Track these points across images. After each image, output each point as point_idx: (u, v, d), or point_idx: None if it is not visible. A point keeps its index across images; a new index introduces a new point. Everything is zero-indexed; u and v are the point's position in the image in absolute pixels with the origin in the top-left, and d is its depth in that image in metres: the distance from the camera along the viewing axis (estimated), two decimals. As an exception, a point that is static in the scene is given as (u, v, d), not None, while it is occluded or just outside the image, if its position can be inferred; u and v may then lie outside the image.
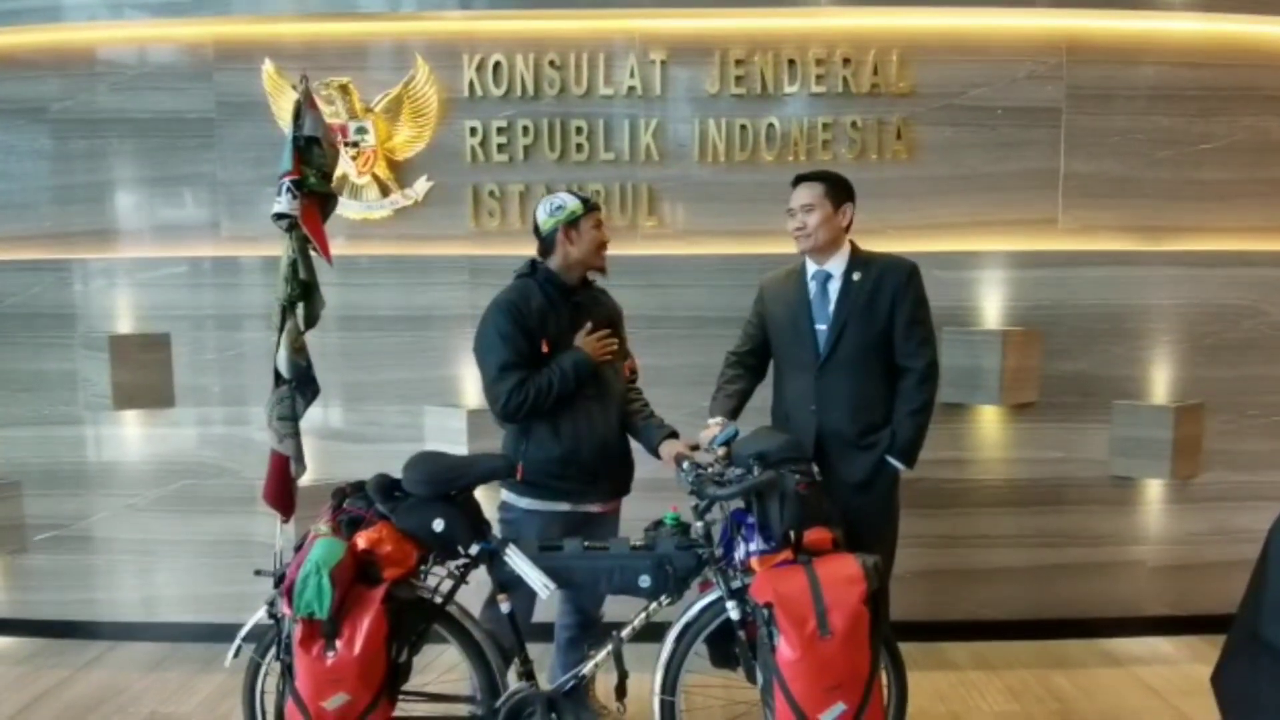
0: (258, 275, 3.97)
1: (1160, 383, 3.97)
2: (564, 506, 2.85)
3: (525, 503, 2.86)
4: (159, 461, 4.09)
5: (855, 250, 3.03)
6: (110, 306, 4.04)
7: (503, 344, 2.77)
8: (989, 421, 3.97)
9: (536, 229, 2.90)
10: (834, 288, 2.98)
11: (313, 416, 3.87)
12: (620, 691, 2.54)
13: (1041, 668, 3.76)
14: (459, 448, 3.72)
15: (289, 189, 2.63)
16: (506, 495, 2.92)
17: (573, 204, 2.85)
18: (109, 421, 4.07)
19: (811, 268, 3.04)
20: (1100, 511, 4.01)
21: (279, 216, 2.67)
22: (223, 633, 2.77)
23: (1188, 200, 3.98)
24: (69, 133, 4.04)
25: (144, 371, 3.96)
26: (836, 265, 2.99)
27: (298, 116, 2.69)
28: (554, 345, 2.81)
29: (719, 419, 2.94)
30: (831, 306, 2.96)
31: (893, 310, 2.93)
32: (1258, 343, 3.98)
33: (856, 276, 2.96)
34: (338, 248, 3.87)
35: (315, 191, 2.71)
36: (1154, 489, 4.02)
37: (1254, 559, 2.12)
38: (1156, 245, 3.98)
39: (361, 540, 2.46)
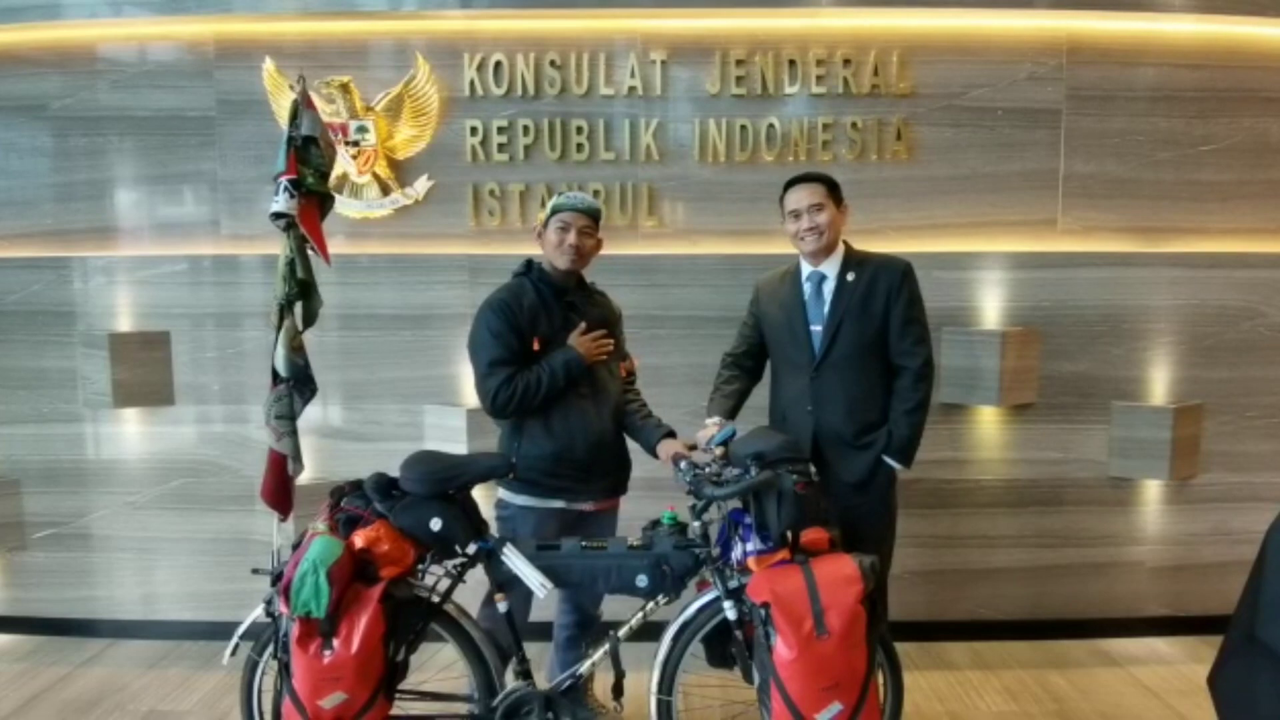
0: (258, 274, 3.97)
1: (1159, 384, 3.97)
2: (558, 504, 2.86)
3: (520, 499, 2.87)
4: (158, 459, 4.09)
5: (849, 250, 3.04)
6: (110, 304, 4.04)
7: (493, 341, 2.80)
8: (988, 422, 3.97)
9: None
10: (828, 288, 2.99)
11: (313, 415, 3.89)
12: (617, 691, 2.55)
13: (1039, 668, 3.77)
14: (458, 446, 3.72)
15: (286, 188, 2.63)
16: (502, 492, 2.93)
17: (550, 205, 2.91)
18: (108, 419, 4.07)
19: (806, 269, 3.04)
20: (1099, 512, 4.01)
21: (277, 216, 2.68)
22: (222, 630, 2.78)
23: (1187, 201, 3.98)
24: (69, 130, 4.04)
25: (144, 369, 3.97)
26: (831, 266, 3.00)
27: (295, 116, 2.69)
28: (546, 344, 2.83)
29: (717, 418, 2.95)
30: (826, 307, 2.97)
31: (887, 310, 2.94)
32: (1257, 344, 3.98)
33: (850, 277, 2.97)
34: (338, 246, 3.90)
35: (313, 191, 2.72)
36: (1152, 490, 4.02)
37: (1252, 560, 2.12)
38: (1156, 246, 3.98)
39: (359, 539, 2.46)
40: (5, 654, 3.98)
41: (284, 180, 2.64)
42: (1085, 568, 4.04)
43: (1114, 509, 4.02)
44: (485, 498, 2.85)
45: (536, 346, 2.81)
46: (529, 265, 2.94)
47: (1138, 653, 3.92)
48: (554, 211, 2.88)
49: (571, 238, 2.85)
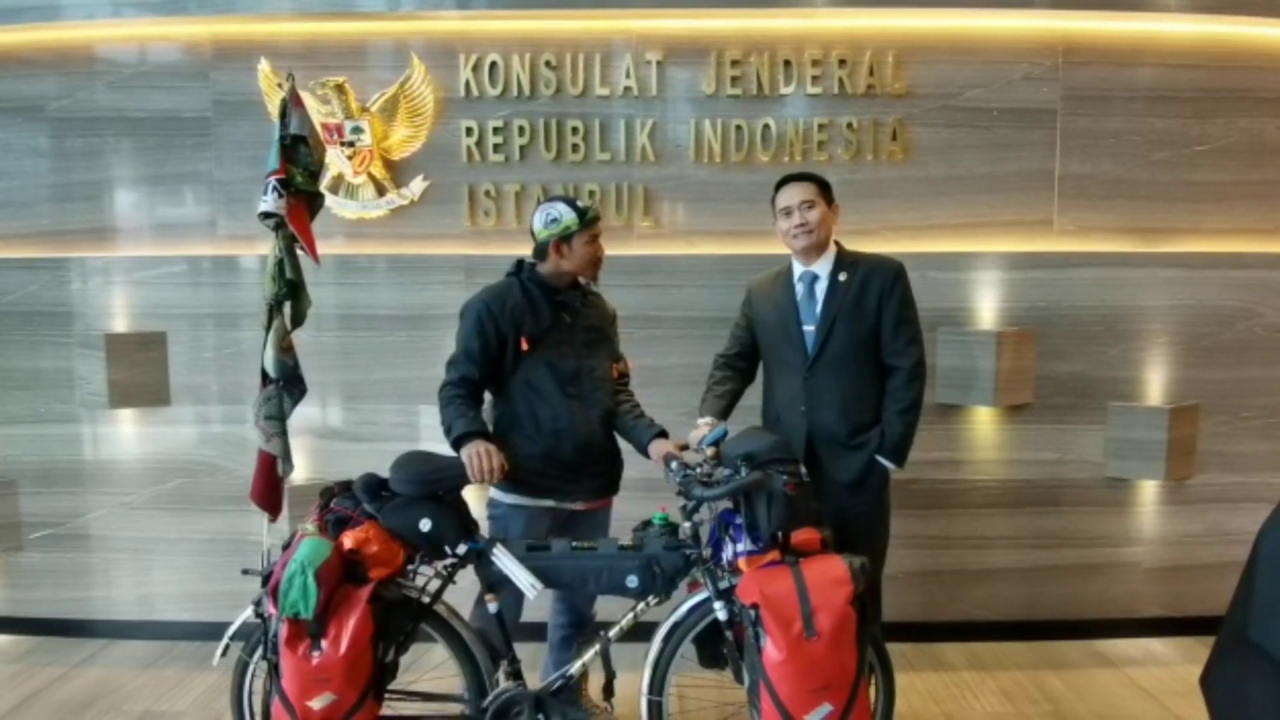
0: (254, 274, 3.97)
1: (1155, 384, 3.96)
2: (548, 503, 2.86)
3: (510, 499, 2.87)
4: (155, 460, 4.10)
5: (841, 251, 3.04)
6: (107, 305, 4.05)
7: (459, 343, 2.85)
8: (984, 422, 3.97)
9: (533, 232, 2.90)
10: (821, 288, 2.99)
11: (309, 415, 3.90)
12: (608, 691, 2.55)
13: (1035, 668, 3.76)
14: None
15: (275, 188, 2.63)
16: (493, 492, 2.92)
17: (568, 219, 2.82)
18: (105, 420, 4.08)
19: (798, 269, 3.04)
20: (1095, 513, 4.01)
21: (266, 215, 2.68)
22: (217, 631, 2.78)
23: (1183, 202, 3.97)
24: (66, 131, 4.04)
25: (140, 370, 3.97)
26: (823, 266, 3.00)
27: (284, 115, 2.70)
28: (534, 342, 2.82)
29: (708, 419, 2.95)
30: (819, 307, 2.97)
31: (880, 310, 2.94)
32: (1253, 344, 3.97)
33: (843, 277, 2.97)
34: (334, 247, 3.91)
35: (302, 190, 2.72)
36: (1149, 490, 4.01)
37: (1248, 561, 2.12)
38: (1152, 247, 3.97)
39: (348, 540, 2.46)
40: (1, 654, 3.98)
41: (272, 180, 2.64)
42: (1081, 568, 4.03)
43: (1110, 510, 4.01)
44: (477, 498, 2.85)
45: (525, 346, 2.81)
46: (520, 265, 2.93)
47: (1134, 654, 3.91)
48: (587, 224, 2.84)
49: (600, 248, 2.90)
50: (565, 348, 2.86)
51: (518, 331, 2.81)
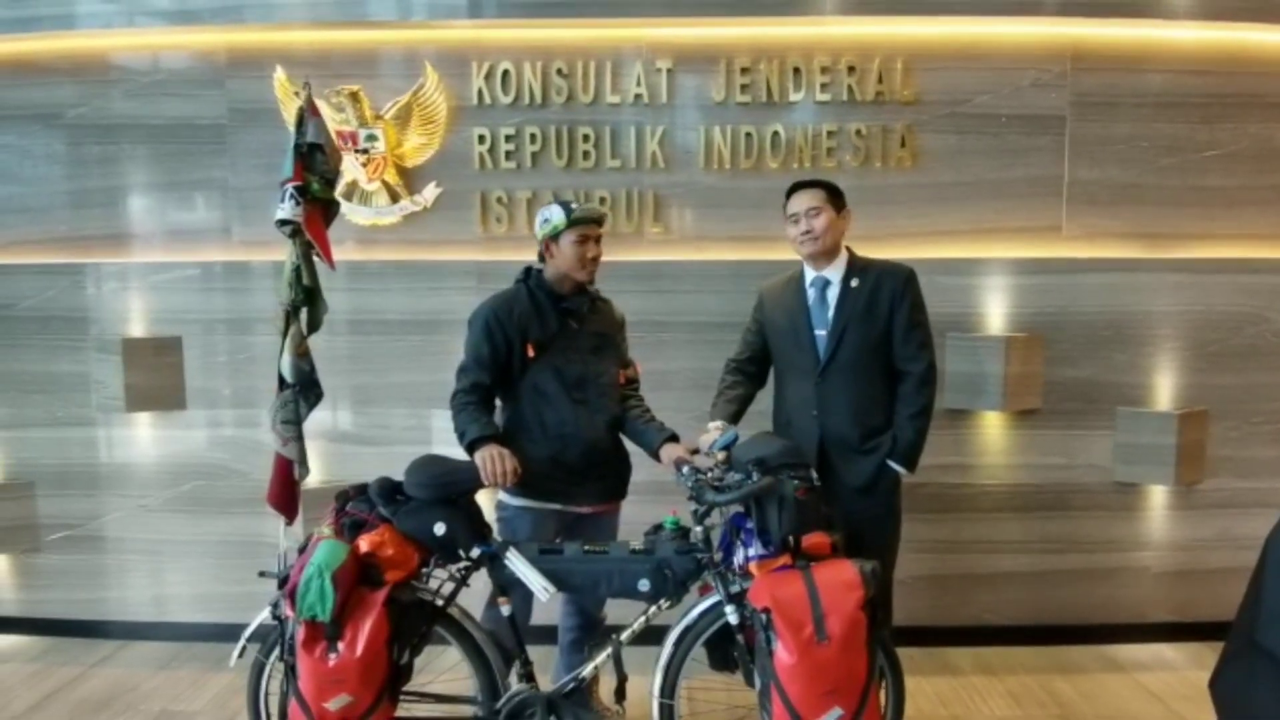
0: (269, 279, 4.01)
1: (1164, 389, 3.97)
2: (555, 506, 2.90)
3: (518, 501, 2.90)
4: (170, 463, 4.14)
5: (852, 256, 3.07)
6: (123, 310, 4.09)
7: (468, 350, 2.89)
8: (992, 427, 3.98)
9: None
10: (832, 294, 3.01)
11: (322, 419, 3.93)
12: (620, 694, 2.57)
13: (1044, 673, 3.77)
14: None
15: (292, 195, 2.67)
16: (502, 494, 2.96)
17: (556, 218, 2.85)
18: (121, 423, 4.12)
19: (810, 274, 3.07)
20: (1104, 517, 4.01)
21: (282, 223, 2.72)
22: (232, 632, 2.81)
23: (1192, 207, 3.98)
24: (83, 138, 4.09)
25: (156, 374, 4.01)
26: (834, 271, 3.02)
27: (300, 123, 2.74)
28: (539, 348, 2.86)
29: (719, 423, 2.97)
30: (830, 312, 2.99)
31: (891, 315, 2.96)
32: (1261, 349, 3.97)
33: (854, 282, 2.99)
34: (348, 253, 3.94)
35: (318, 197, 2.75)
36: (1158, 495, 4.02)
37: (1257, 565, 2.13)
38: (1160, 252, 3.97)
39: (364, 543, 2.50)
40: (19, 654, 4.03)
41: (289, 187, 2.68)
42: (1090, 573, 4.04)
43: (1119, 514, 4.02)
44: (490, 501, 2.88)
45: (531, 353, 2.85)
46: (528, 272, 2.97)
47: (1143, 658, 3.92)
48: (573, 224, 2.85)
49: (592, 249, 2.89)
50: (571, 354, 2.90)
51: (524, 338, 2.84)
